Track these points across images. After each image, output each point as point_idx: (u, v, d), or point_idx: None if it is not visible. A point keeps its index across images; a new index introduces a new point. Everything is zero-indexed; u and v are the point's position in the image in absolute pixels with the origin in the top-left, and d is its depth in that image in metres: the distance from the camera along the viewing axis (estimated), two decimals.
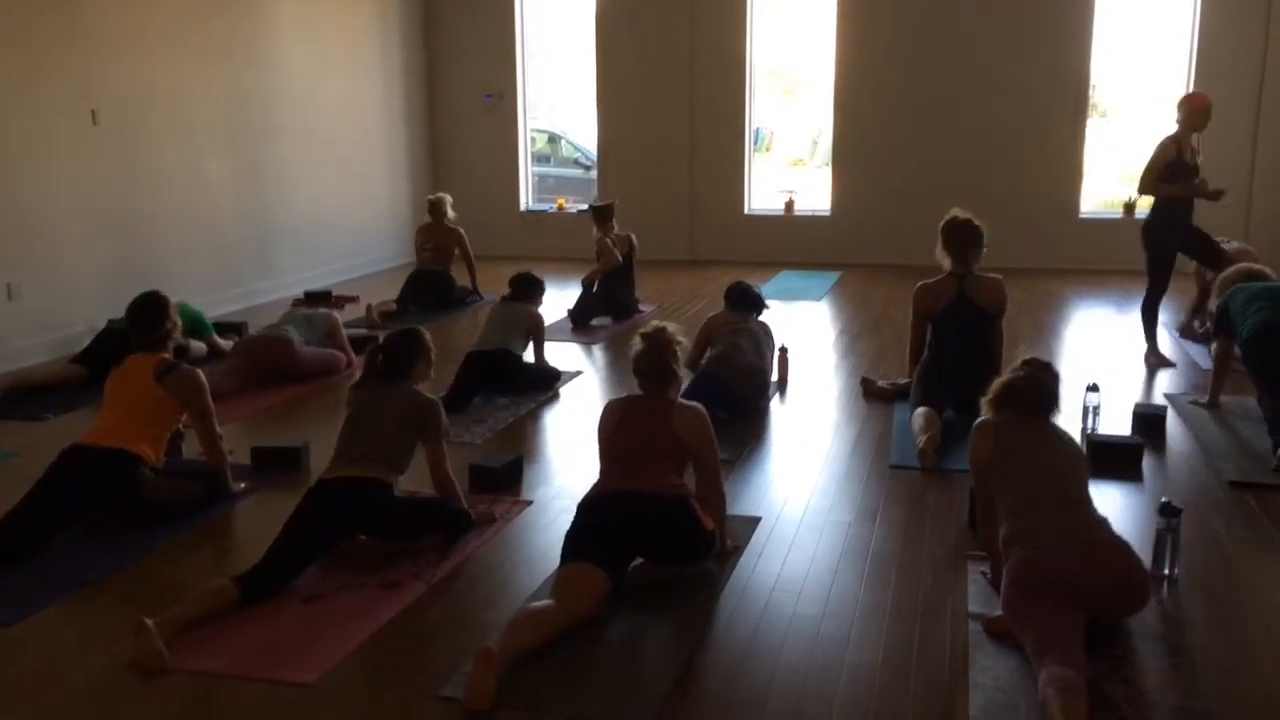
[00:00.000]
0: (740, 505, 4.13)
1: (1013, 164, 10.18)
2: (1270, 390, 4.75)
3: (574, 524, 3.41)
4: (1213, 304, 5.59)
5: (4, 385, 5.89)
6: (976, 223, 5.23)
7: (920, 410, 4.93)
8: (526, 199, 11.73)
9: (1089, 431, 4.91)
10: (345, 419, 3.87)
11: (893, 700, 2.77)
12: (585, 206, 10.24)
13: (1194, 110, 6.32)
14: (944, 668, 2.94)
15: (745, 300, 5.87)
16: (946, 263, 5.26)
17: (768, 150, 15.15)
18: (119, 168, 7.37)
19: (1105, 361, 6.52)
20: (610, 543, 3.31)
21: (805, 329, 7.63)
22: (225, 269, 8.48)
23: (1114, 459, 4.54)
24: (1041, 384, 3.29)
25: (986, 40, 10.10)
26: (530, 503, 4.23)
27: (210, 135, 8.30)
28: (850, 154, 10.68)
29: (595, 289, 7.96)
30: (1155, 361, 6.46)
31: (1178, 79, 9.98)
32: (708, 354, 5.57)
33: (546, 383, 5.95)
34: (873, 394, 5.77)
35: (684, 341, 3.70)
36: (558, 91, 13.44)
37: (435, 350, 4.09)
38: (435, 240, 8.51)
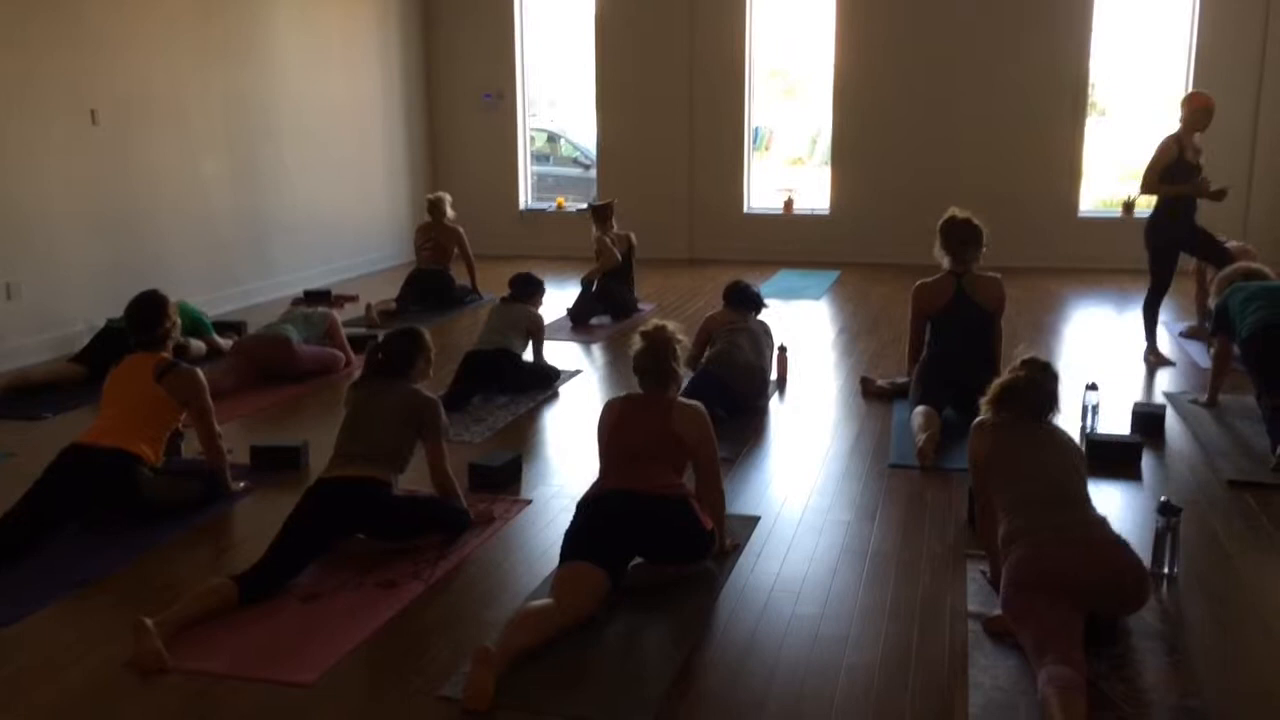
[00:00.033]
0: (739, 504, 4.13)
1: (1012, 163, 10.18)
2: (1269, 389, 4.75)
3: (573, 523, 3.41)
4: (1211, 303, 5.58)
5: (3, 384, 5.89)
6: (975, 222, 5.24)
7: (919, 409, 4.93)
8: (526, 198, 11.73)
9: (1088, 430, 4.91)
10: (344, 418, 3.87)
11: (892, 699, 2.77)
12: (584, 206, 10.24)
13: (1196, 110, 6.31)
14: (943, 667, 2.94)
15: (744, 299, 5.86)
16: (945, 261, 5.27)
17: (767, 149, 15.14)
18: (118, 167, 7.36)
19: (1104, 360, 6.52)
20: (609, 542, 3.30)
21: (804, 328, 7.63)
22: (224, 268, 8.47)
23: (1113, 458, 4.54)
24: (1040, 384, 3.28)
25: (985, 39, 10.10)
26: (529, 502, 4.23)
27: (209, 135, 8.30)
28: (849, 153, 10.68)
29: (594, 288, 7.96)
30: (1154, 360, 6.46)
31: (1177, 78, 9.99)
32: (707, 353, 5.57)
33: (546, 382, 5.95)
34: (872, 393, 5.77)
35: (684, 340, 3.69)
36: (557, 90, 13.45)
37: (435, 349, 4.09)
38: (434, 239, 8.51)
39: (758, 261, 10.52)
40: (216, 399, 4.45)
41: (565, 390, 5.99)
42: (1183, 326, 7.28)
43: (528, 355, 6.03)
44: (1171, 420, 5.19)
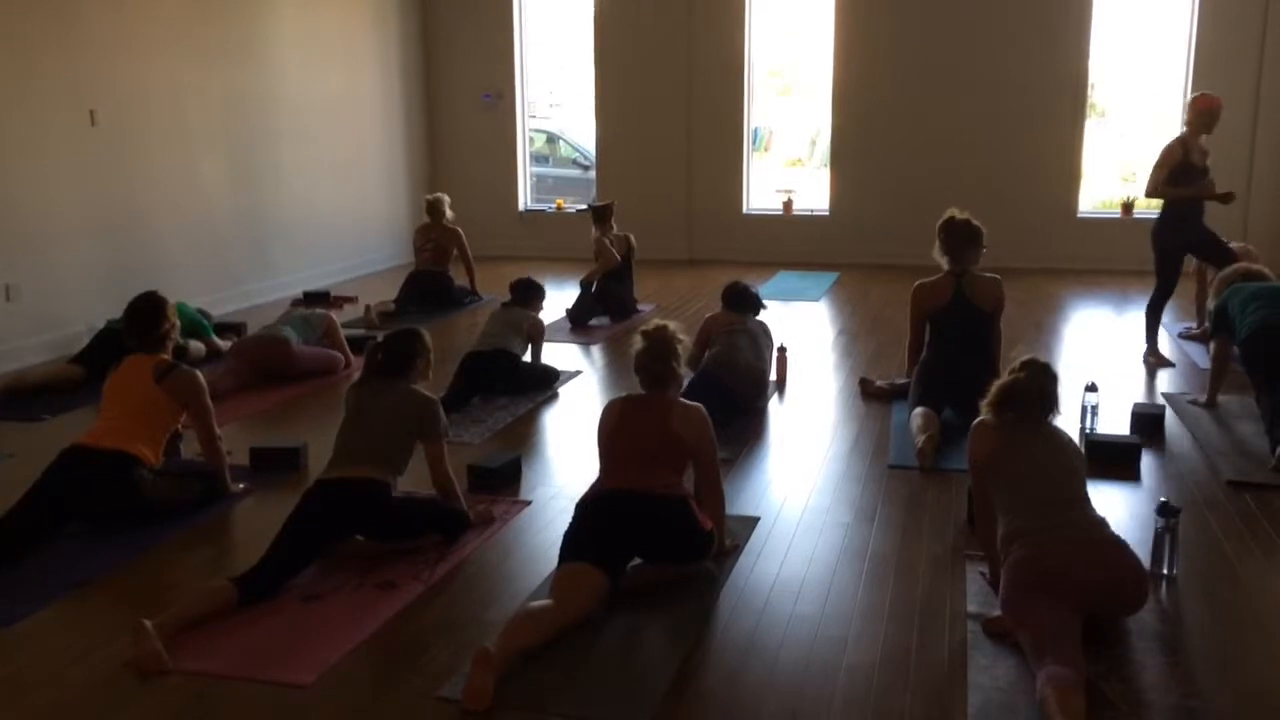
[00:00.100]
0: (739, 505, 4.13)
1: (1011, 163, 10.19)
2: (1268, 390, 4.75)
3: (572, 524, 3.41)
4: (1211, 304, 5.58)
5: (2, 386, 5.89)
6: (975, 222, 5.24)
7: (918, 410, 4.93)
8: (525, 199, 11.73)
9: (1088, 431, 4.91)
10: (344, 419, 3.87)
11: (891, 700, 2.77)
12: (584, 206, 10.25)
13: (1201, 111, 6.28)
14: (942, 667, 2.94)
15: (742, 300, 5.86)
16: (944, 262, 5.27)
17: (766, 150, 15.15)
18: (117, 168, 7.36)
19: (1104, 361, 6.52)
20: (608, 543, 3.30)
21: (804, 329, 7.63)
22: (223, 269, 8.47)
23: (1112, 458, 4.54)
24: (1040, 386, 3.28)
25: (985, 40, 10.11)
26: (529, 503, 4.23)
27: (208, 135, 8.30)
28: (849, 154, 10.68)
29: (594, 289, 7.96)
30: (1154, 361, 6.46)
31: (1176, 79, 10.00)
32: (706, 354, 5.57)
33: (545, 382, 5.95)
34: (871, 394, 5.77)
35: (685, 340, 3.70)
36: (556, 91, 13.45)
37: (434, 350, 4.09)
38: (434, 240, 8.51)
39: (757, 262, 10.52)
40: (216, 400, 4.45)
41: (565, 391, 5.99)
42: (1182, 327, 7.28)
43: (527, 358, 6.03)
44: (1171, 421, 5.19)
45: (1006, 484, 3.20)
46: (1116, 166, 13.15)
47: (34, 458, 4.23)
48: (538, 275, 6.48)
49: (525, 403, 5.67)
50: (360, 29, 10.29)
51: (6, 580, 3.52)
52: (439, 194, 8.74)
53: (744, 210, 11.12)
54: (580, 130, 12.97)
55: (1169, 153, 6.28)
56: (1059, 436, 3.30)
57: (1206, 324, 6.03)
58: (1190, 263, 6.95)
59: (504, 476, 4.41)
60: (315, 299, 8.61)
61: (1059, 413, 3.35)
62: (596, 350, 7.07)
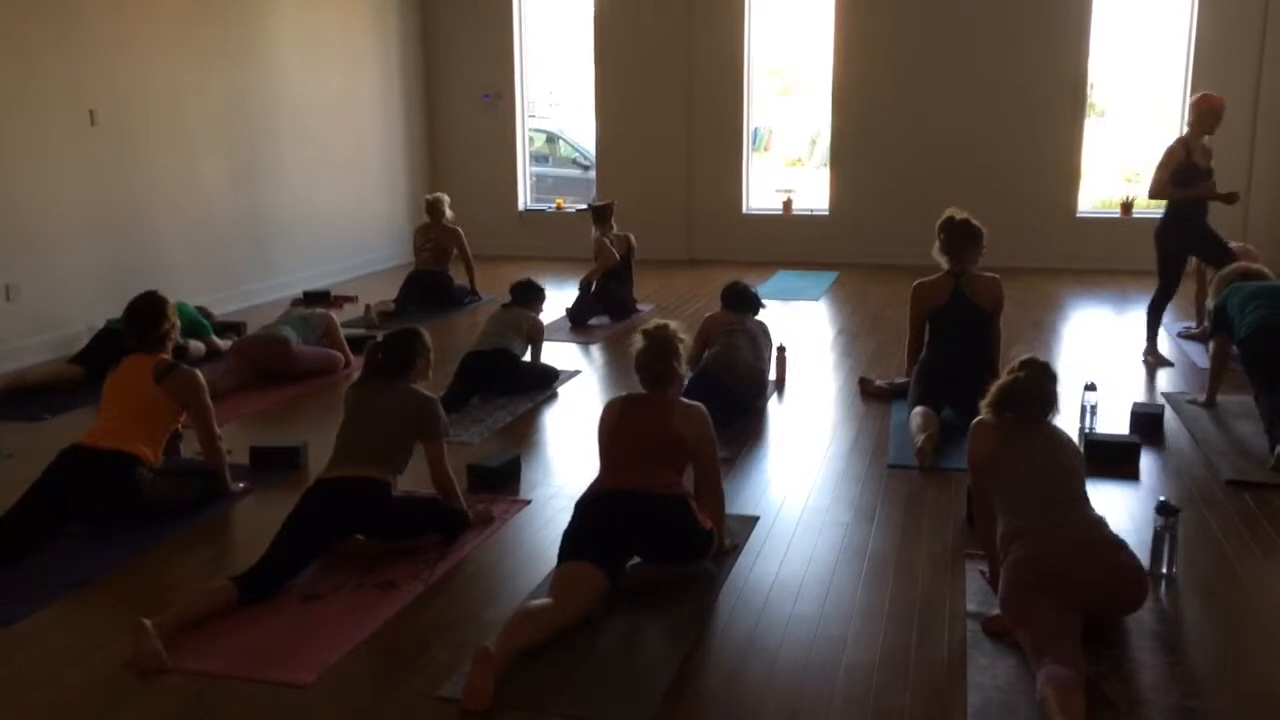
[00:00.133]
0: (738, 505, 4.13)
1: (1011, 163, 10.19)
2: (1267, 389, 4.76)
3: (571, 523, 3.41)
4: (1210, 303, 5.58)
5: (2, 386, 5.89)
6: (974, 222, 5.24)
7: (918, 409, 4.94)
8: (525, 199, 11.73)
9: (1087, 430, 4.91)
10: (344, 419, 3.87)
11: (891, 699, 2.77)
12: (584, 206, 10.25)
13: (1203, 112, 6.27)
14: (942, 667, 2.94)
15: (742, 300, 5.86)
16: (944, 262, 5.27)
17: (766, 150, 15.15)
18: (117, 168, 7.36)
19: (1103, 361, 6.52)
20: (607, 542, 3.30)
21: (803, 328, 7.63)
22: (223, 269, 8.48)
23: (1112, 458, 4.55)
24: (1040, 385, 3.28)
25: (984, 40, 10.11)
26: (528, 502, 4.23)
27: (208, 135, 8.30)
28: (848, 154, 10.69)
29: (593, 289, 7.97)
30: (1153, 361, 6.46)
31: (1176, 79, 10.00)
32: (705, 354, 5.57)
33: (545, 382, 5.95)
34: (871, 393, 5.78)
35: (686, 339, 3.70)
36: (556, 91, 13.45)
37: (434, 350, 4.10)
38: (434, 240, 8.51)
39: (757, 262, 10.53)
40: (216, 400, 4.46)
41: (564, 391, 5.99)
42: (1181, 327, 7.28)
43: (526, 358, 6.03)
44: (1170, 420, 5.19)
45: (1006, 483, 3.20)
46: (1116, 166, 13.15)
47: (34, 458, 4.23)
48: (537, 275, 6.48)
49: (525, 402, 5.67)
50: (360, 29, 10.29)
51: (6, 580, 3.52)
52: (439, 194, 8.74)
53: (744, 210, 11.12)
54: (580, 130, 12.98)
55: (1171, 154, 6.27)
56: (1058, 436, 3.30)
57: (1206, 323, 6.03)
58: (1190, 262, 6.95)
59: (503, 476, 4.41)
60: (315, 299, 8.61)
61: (1058, 412, 3.35)
62: (596, 350, 7.07)
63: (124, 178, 7.43)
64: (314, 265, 9.58)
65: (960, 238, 5.21)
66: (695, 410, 3.58)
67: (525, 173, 11.71)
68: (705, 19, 10.69)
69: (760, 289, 6.35)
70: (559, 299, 8.08)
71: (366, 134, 10.45)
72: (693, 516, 3.43)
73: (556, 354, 6.67)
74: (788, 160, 15.87)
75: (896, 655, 3.00)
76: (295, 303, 8.37)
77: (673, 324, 3.65)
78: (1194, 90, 9.27)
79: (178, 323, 4.42)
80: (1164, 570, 3.46)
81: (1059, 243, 10.24)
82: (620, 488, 3.41)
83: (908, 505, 4.17)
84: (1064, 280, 9.52)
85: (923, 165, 10.32)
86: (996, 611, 3.07)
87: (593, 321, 7.80)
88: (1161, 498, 3.57)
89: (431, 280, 8.41)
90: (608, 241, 7.96)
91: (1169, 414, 5.27)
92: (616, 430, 3.55)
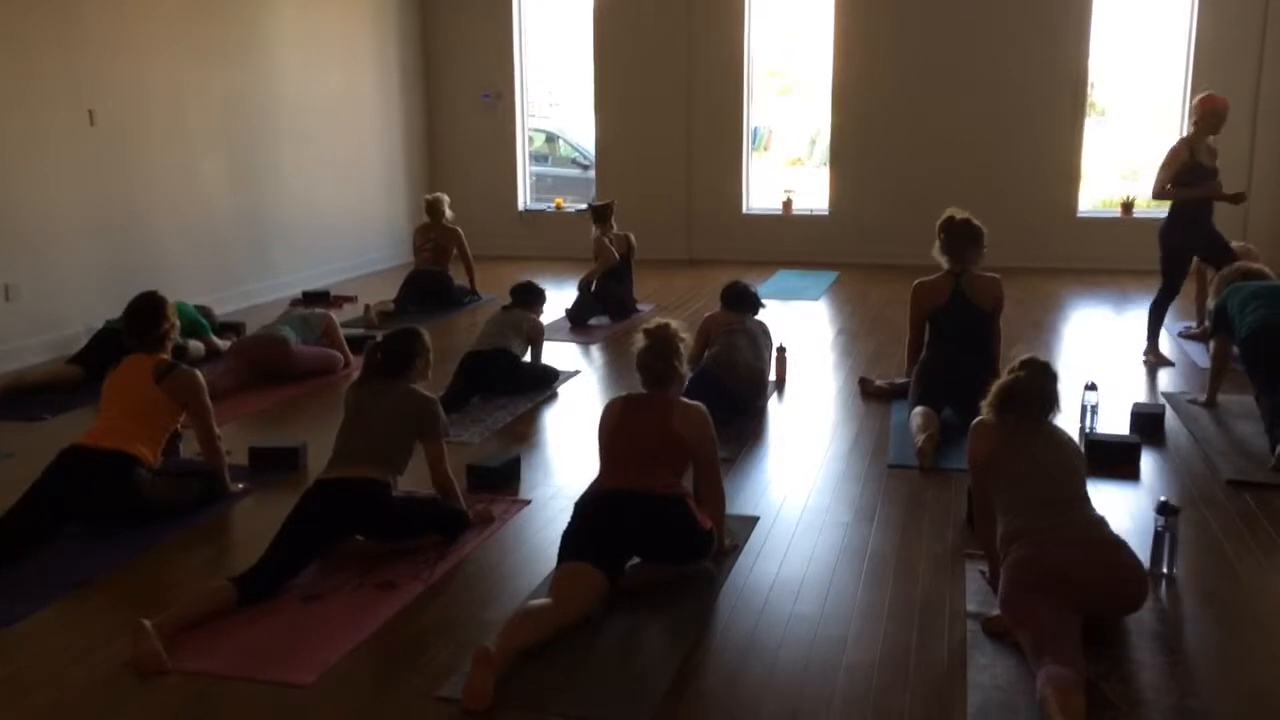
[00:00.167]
0: (738, 505, 4.13)
1: (1011, 163, 10.19)
2: (1268, 389, 4.75)
3: (571, 523, 3.41)
4: (1210, 303, 5.58)
5: (2, 386, 5.89)
6: (975, 222, 5.23)
7: (918, 409, 4.93)
8: (524, 199, 11.73)
9: (1087, 430, 4.91)
10: (343, 419, 3.87)
11: (891, 699, 2.77)
12: (584, 206, 10.25)
13: (1208, 112, 6.25)
14: (942, 667, 2.94)
15: (741, 300, 5.86)
16: (944, 261, 5.27)
17: (766, 149, 15.14)
18: (116, 168, 7.36)
19: (1103, 360, 6.52)
20: (606, 542, 3.30)
21: (803, 328, 7.63)
22: (223, 269, 8.47)
23: (1112, 458, 4.54)
24: (1040, 385, 3.28)
25: (984, 40, 10.11)
26: (528, 502, 4.23)
27: (207, 135, 8.30)
28: (848, 153, 10.69)
29: (593, 288, 7.97)
30: (1153, 361, 6.46)
31: (1176, 78, 10.00)
32: (705, 354, 5.57)
33: (544, 382, 5.95)
34: (871, 393, 5.77)
35: (687, 338, 3.70)
36: (556, 90, 13.45)
37: (434, 350, 4.09)
38: (433, 240, 8.51)
39: (757, 262, 10.52)
40: (215, 400, 4.46)
41: (564, 391, 5.99)
42: (1181, 327, 7.28)
43: (526, 360, 6.03)
44: (1170, 420, 5.19)
45: (1006, 483, 3.20)
46: (1116, 166, 13.14)
47: (33, 458, 4.23)
48: (537, 275, 6.49)
49: (524, 402, 5.67)
50: (360, 29, 10.29)
51: (6, 580, 3.52)
52: (438, 194, 8.73)
53: (744, 210, 11.12)
54: (580, 130, 12.97)
55: (1174, 154, 6.27)
56: (1059, 436, 3.30)
57: (1206, 323, 6.03)
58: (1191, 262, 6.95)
59: (503, 476, 4.41)
60: (314, 299, 8.61)
61: (1059, 412, 3.35)
62: (596, 350, 7.07)
63: (124, 178, 7.43)
64: (314, 265, 9.58)
65: (961, 237, 5.21)
66: (695, 410, 3.58)
67: (525, 172, 11.71)
68: (705, 19, 10.69)
69: (760, 289, 6.35)
70: (559, 299, 8.07)
71: (366, 134, 10.45)
72: (692, 516, 3.43)
73: (556, 354, 6.67)
74: (788, 160, 15.87)
75: (896, 655, 3.00)
76: (294, 303, 8.37)
77: (674, 323, 3.65)
78: (1194, 90, 9.27)
79: (177, 323, 4.42)
80: (1164, 570, 3.46)
81: (1059, 243, 10.24)
82: (620, 488, 3.41)
83: (908, 505, 4.17)
84: (1064, 280, 9.52)
85: (923, 165, 10.32)
86: (996, 612, 3.07)
87: (592, 322, 7.79)
88: (1161, 498, 3.57)
89: (431, 280, 8.41)
90: (607, 241, 7.95)
91: (1169, 414, 5.27)
92: (617, 430, 3.55)
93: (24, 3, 6.60)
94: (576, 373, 6.37)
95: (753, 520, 4.00)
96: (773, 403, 5.71)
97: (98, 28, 7.14)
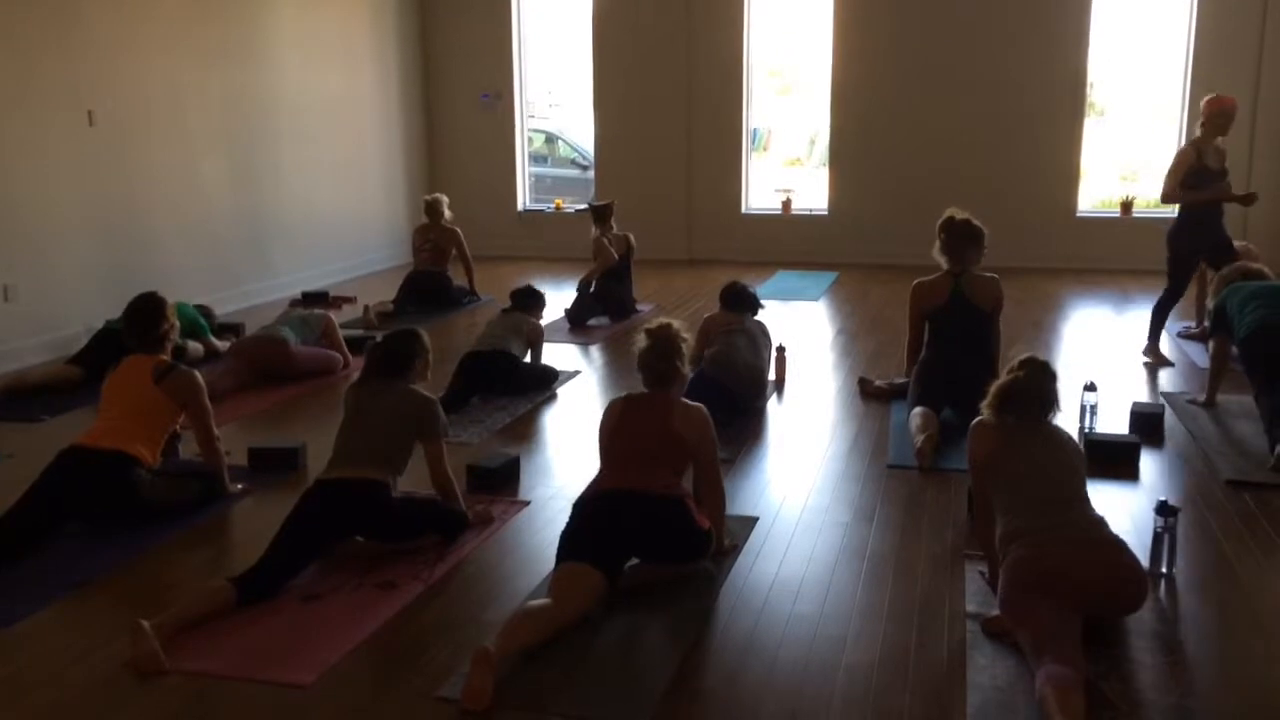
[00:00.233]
0: (738, 505, 4.13)
1: (1010, 163, 10.19)
2: (1267, 389, 4.75)
3: (569, 523, 3.41)
4: (1210, 303, 5.58)
5: (1, 386, 5.89)
6: (975, 222, 5.23)
7: (917, 410, 4.93)
8: (524, 199, 11.73)
9: (1087, 430, 4.92)
10: (343, 419, 3.87)
11: (890, 699, 2.77)
12: (583, 206, 10.25)
13: (1215, 113, 6.24)
14: (941, 667, 2.94)
15: (740, 300, 5.87)
16: (944, 261, 5.27)
17: (765, 150, 15.16)
18: (116, 168, 7.36)
19: (1103, 360, 6.52)
20: (606, 542, 3.30)
21: (803, 328, 7.63)
22: (222, 269, 8.47)
23: (1111, 458, 4.55)
24: (1040, 385, 3.28)
25: (984, 40, 10.11)
26: (528, 503, 4.23)
27: (207, 136, 8.30)
28: (848, 153, 10.69)
29: (593, 289, 7.97)
30: (1153, 360, 6.46)
31: (1175, 78, 10.00)
32: (705, 354, 5.57)
33: (544, 383, 5.95)
34: (870, 393, 5.77)
35: (689, 338, 3.70)
36: (555, 91, 13.45)
37: (433, 351, 4.10)
38: (432, 241, 8.51)
39: (756, 262, 10.53)
40: (214, 401, 4.46)
41: (563, 391, 5.99)
42: (1181, 327, 7.28)
43: (526, 361, 6.03)
44: (1170, 420, 5.19)
45: (1006, 483, 3.20)
46: (1116, 166, 13.15)
47: (33, 458, 4.23)
48: (536, 275, 6.50)
49: (524, 403, 5.67)
50: (359, 29, 10.29)
51: (6, 580, 3.52)
52: (437, 194, 8.74)
53: (743, 210, 11.12)
54: (579, 130, 12.98)
55: (1182, 157, 6.26)
56: (1059, 435, 3.30)
57: (1205, 323, 6.03)
58: None
59: (502, 476, 4.41)
60: (314, 299, 8.61)
61: (1059, 411, 3.35)
62: (595, 350, 7.07)
63: (123, 178, 7.43)
64: (313, 266, 9.58)
65: (961, 238, 5.21)
66: (696, 410, 3.58)
67: (524, 173, 11.71)
68: (705, 19, 10.69)
69: (760, 289, 6.36)
70: (558, 299, 8.07)
71: (366, 134, 10.45)
72: (691, 516, 3.43)
73: (556, 354, 6.67)
74: (787, 160, 15.88)
75: (896, 655, 3.00)
76: (294, 303, 8.38)
77: (675, 323, 3.65)
78: (1194, 90, 9.30)
79: (177, 323, 4.42)
80: (1163, 570, 3.46)
81: (1059, 243, 10.24)
82: (619, 488, 3.41)
83: (907, 505, 4.17)
84: (1064, 280, 9.52)
85: (922, 165, 10.32)
86: (996, 612, 3.07)
87: (592, 322, 7.79)
88: (1161, 498, 3.57)
89: (430, 281, 8.41)
90: (606, 241, 7.96)
91: (1169, 414, 5.27)
92: (617, 430, 3.55)
93: (24, 3, 6.60)
94: (576, 373, 6.37)
95: (752, 520, 4.00)
96: (772, 403, 5.71)
97: (98, 28, 7.14)
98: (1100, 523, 3.12)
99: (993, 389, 3.32)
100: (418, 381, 4.00)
